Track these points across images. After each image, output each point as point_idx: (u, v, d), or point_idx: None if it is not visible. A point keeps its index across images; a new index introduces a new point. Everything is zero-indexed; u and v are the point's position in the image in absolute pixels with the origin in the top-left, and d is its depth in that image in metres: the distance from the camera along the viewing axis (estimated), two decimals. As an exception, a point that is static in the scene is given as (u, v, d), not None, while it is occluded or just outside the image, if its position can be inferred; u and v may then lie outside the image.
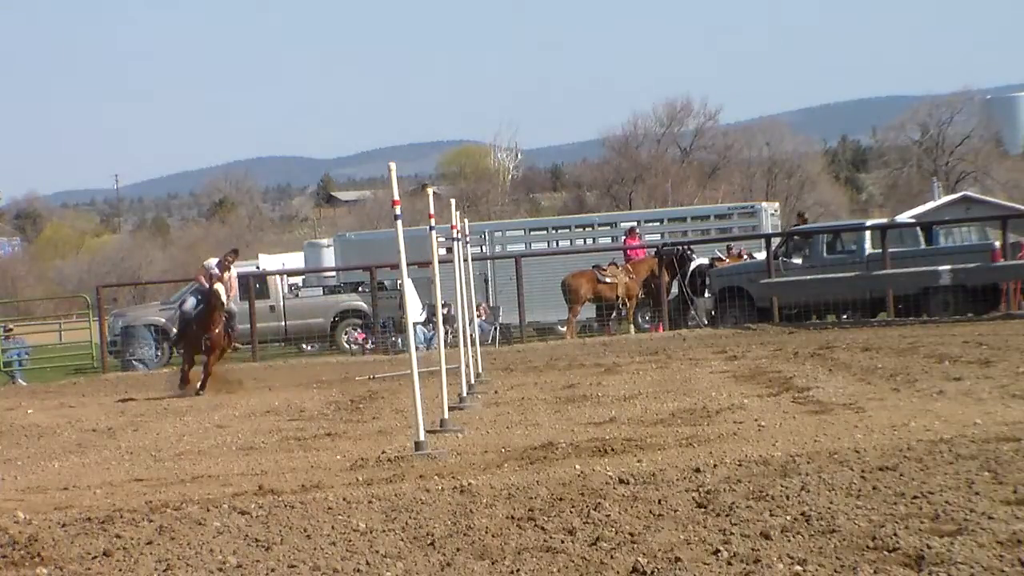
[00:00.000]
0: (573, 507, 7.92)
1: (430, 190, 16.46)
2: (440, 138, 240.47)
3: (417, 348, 16.08)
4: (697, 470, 8.85)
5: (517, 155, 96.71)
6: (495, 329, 28.58)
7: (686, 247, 28.37)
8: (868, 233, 26.85)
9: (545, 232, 37.90)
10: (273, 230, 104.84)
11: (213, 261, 20.12)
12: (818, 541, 6.68)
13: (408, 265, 12.49)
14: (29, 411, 18.03)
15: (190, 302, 20.19)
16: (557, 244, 35.78)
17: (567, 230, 38.20)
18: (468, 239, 20.04)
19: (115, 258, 76.78)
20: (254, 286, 29.11)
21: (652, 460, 9.60)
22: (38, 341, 33.94)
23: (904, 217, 34.92)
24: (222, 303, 19.35)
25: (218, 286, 19.29)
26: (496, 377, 18.68)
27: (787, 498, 7.70)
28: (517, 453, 10.52)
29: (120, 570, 7.21)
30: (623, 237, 31.67)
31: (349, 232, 43.11)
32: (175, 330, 22.30)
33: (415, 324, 24.38)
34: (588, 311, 29.27)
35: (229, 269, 19.90)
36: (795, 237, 28.22)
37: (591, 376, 17.64)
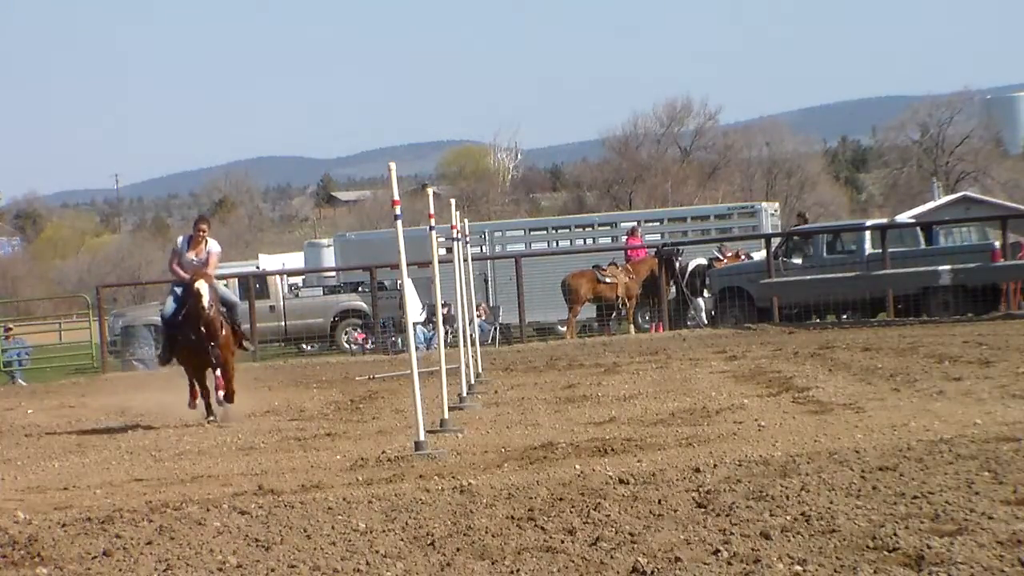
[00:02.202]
0: (573, 507, 7.92)
1: (430, 190, 16.45)
2: (440, 138, 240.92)
3: (417, 348, 16.04)
4: (697, 470, 8.84)
5: (517, 155, 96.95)
6: (495, 329, 28.58)
7: (674, 249, 28.20)
8: (868, 233, 26.86)
9: (545, 232, 37.92)
10: (273, 230, 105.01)
11: (181, 239, 15.82)
12: (818, 541, 6.67)
13: (408, 265, 12.49)
14: (29, 411, 18.03)
15: (169, 304, 15.57)
16: (557, 244, 35.80)
17: (567, 230, 38.23)
18: (468, 239, 20.04)
19: (115, 258, 76.89)
20: (254, 286, 29.13)
21: (652, 460, 9.60)
22: (38, 341, 33.93)
23: (904, 217, 34.94)
24: (203, 307, 14.81)
25: (200, 284, 14.84)
26: (496, 377, 18.67)
27: (787, 498, 7.70)
28: (517, 453, 10.52)
29: (120, 570, 7.21)
30: (624, 237, 31.65)
31: (349, 232, 43.17)
32: (160, 342, 17.91)
33: (415, 324, 24.38)
34: (588, 311, 29.27)
35: (203, 242, 15.39)
36: (795, 237, 28.23)
37: (591, 376, 17.63)
